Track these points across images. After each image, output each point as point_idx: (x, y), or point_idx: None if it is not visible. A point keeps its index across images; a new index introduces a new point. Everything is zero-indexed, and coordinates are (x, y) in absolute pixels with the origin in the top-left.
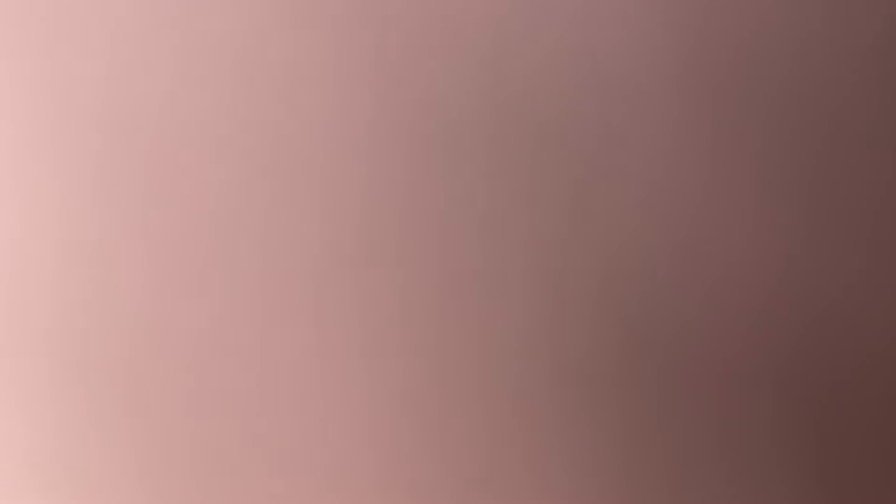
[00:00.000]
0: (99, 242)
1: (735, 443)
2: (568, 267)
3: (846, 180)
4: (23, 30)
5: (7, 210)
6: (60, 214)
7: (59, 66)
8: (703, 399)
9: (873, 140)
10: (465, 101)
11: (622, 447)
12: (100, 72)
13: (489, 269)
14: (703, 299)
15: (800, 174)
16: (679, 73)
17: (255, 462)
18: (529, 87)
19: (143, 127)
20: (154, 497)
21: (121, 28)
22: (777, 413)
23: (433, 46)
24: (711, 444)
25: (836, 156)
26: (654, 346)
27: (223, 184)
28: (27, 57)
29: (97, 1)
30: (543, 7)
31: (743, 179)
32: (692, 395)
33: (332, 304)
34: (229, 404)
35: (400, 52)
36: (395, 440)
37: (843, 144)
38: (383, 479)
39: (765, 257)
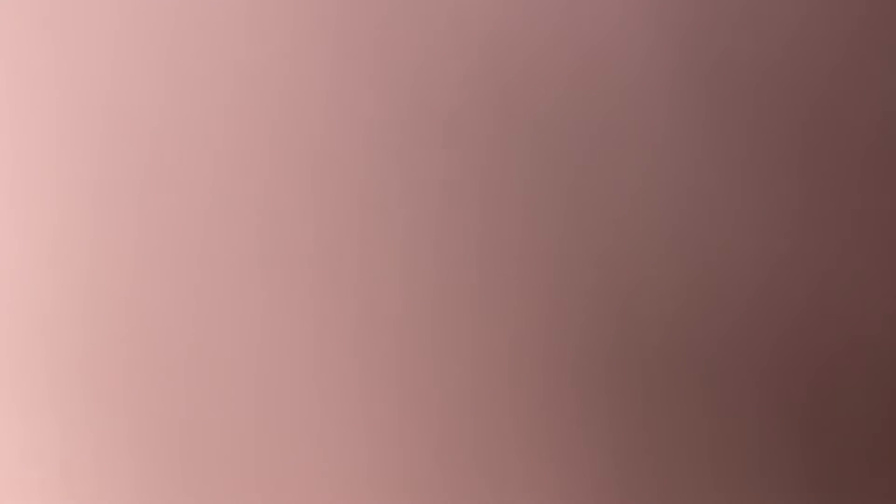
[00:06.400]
0: (99, 243)
1: (729, 440)
2: (564, 263)
3: (842, 177)
4: (26, 30)
5: (8, 210)
6: (61, 214)
7: (61, 68)
8: (698, 397)
9: (871, 136)
10: (462, 96)
11: (617, 445)
12: (101, 72)
13: (485, 267)
14: (698, 295)
15: (796, 170)
16: (676, 68)
17: (255, 463)
18: (526, 82)
19: (145, 126)
20: (153, 497)
21: (122, 28)
22: (771, 410)
23: (430, 42)
24: (706, 441)
25: (832, 153)
26: (650, 342)
27: (223, 184)
28: (29, 57)
29: (99, 2)
30: (540, 2)
31: (739, 175)
32: (687, 392)
33: (330, 304)
34: (229, 405)
35: (397, 49)
36: (392, 439)
37: (840, 141)
38: (380, 479)
39: (760, 254)
